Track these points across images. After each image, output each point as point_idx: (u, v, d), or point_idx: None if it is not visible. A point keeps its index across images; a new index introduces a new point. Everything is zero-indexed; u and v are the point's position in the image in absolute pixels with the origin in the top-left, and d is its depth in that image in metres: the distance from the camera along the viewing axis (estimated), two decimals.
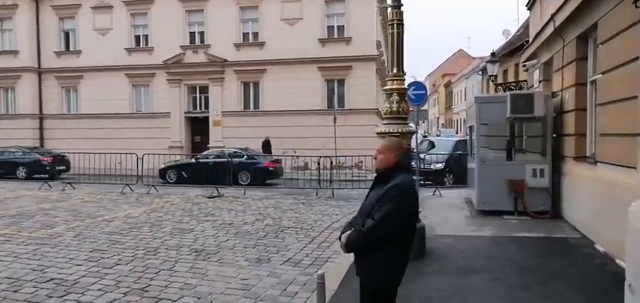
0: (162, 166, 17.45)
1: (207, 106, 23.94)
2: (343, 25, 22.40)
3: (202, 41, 23.63)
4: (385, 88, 6.21)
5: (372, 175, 3.30)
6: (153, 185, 15.21)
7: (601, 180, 6.48)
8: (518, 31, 25.11)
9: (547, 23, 8.84)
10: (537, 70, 11.43)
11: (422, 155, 15.38)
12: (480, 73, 32.40)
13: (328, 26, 22.64)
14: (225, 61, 23.05)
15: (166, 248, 7.20)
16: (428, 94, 14.38)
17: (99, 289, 5.25)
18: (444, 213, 9.81)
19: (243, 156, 17.39)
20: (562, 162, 8.74)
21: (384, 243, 2.86)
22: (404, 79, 6.20)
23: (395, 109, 5.94)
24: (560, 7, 7.71)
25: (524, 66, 13.14)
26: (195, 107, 24.43)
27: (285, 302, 4.94)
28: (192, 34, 23.88)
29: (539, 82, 11.09)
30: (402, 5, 6.09)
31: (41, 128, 25.51)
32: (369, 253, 2.93)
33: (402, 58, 6.10)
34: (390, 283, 2.99)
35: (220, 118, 23.34)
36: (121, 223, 9.28)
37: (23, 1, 24.62)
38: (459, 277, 5.42)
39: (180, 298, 5.00)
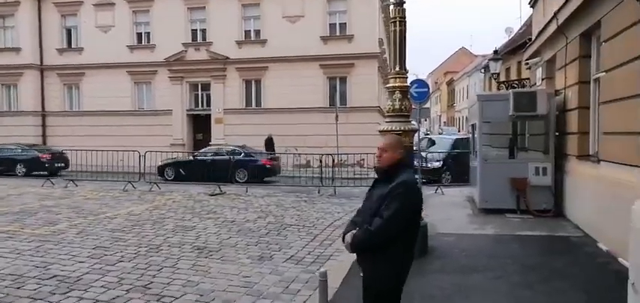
0: (161, 163, 17.47)
1: (209, 104, 23.96)
2: (345, 23, 22.37)
3: (204, 39, 23.63)
4: (388, 85, 6.19)
5: (373, 174, 3.26)
6: (155, 182, 15.25)
7: (604, 178, 6.46)
8: (520, 28, 25.03)
9: (550, 21, 8.81)
10: (540, 68, 11.39)
11: (422, 153, 15.34)
12: (483, 71, 32.32)
13: (330, 24, 22.61)
14: (227, 58, 23.05)
15: (169, 245, 7.21)
16: (430, 91, 14.36)
17: (102, 286, 5.27)
18: (446, 211, 9.80)
19: (240, 153, 17.39)
20: (565, 160, 8.72)
21: (389, 243, 2.84)
22: (406, 77, 6.18)
23: (397, 106, 5.92)
24: (564, 5, 7.69)
25: (527, 64, 13.08)
26: (197, 105, 24.44)
27: (287, 300, 4.94)
28: (194, 32, 23.88)
29: (542, 80, 11.06)
30: (404, 2, 6.08)
31: (43, 125, 25.56)
32: (374, 253, 2.88)
33: (404, 56, 6.09)
34: (396, 284, 2.97)
35: (222, 116, 23.35)
36: (123, 221, 9.30)
37: None
38: (461, 276, 5.42)
39: (183, 296, 5.01)
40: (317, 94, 22.15)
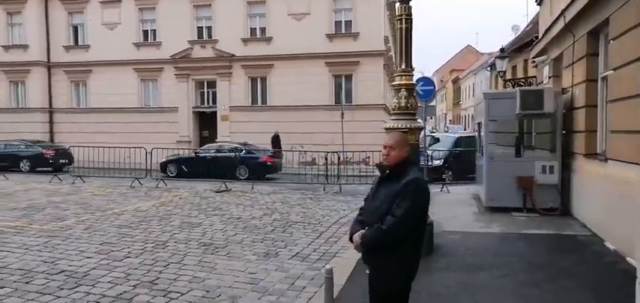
0: (163, 159, 17.53)
1: (214, 101, 24.02)
2: (351, 20, 22.33)
3: (210, 36, 23.68)
4: (394, 83, 6.18)
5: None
6: (162, 179, 15.34)
7: (611, 177, 6.42)
8: (527, 26, 24.88)
9: (557, 19, 8.75)
10: (547, 66, 11.33)
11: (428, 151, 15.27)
12: (489, 68, 32.20)
13: (336, 21, 22.58)
14: (233, 56, 23.09)
15: (175, 242, 7.25)
16: (436, 89, 14.31)
17: (109, 282, 5.31)
18: (451, 209, 9.78)
19: (241, 150, 17.44)
20: (572, 159, 8.67)
21: (399, 242, 2.83)
22: (412, 75, 6.17)
23: (403, 104, 5.91)
24: (571, 3, 7.63)
25: (534, 62, 13.02)
26: (202, 102, 24.52)
27: (292, 296, 4.95)
28: (199, 29, 23.94)
29: (549, 78, 10.99)
30: (410, 0, 6.06)
31: (51, 122, 25.75)
32: (383, 253, 2.85)
33: (410, 54, 6.07)
34: (406, 283, 2.97)
35: (228, 113, 23.41)
36: (130, 217, 9.36)
37: None
38: (467, 274, 5.41)
39: (189, 291, 5.04)
40: (322, 91, 22.15)
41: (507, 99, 9.14)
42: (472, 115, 31.36)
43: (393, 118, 6.05)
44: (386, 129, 5.96)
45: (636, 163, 5.50)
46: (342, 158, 15.98)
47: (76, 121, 24.81)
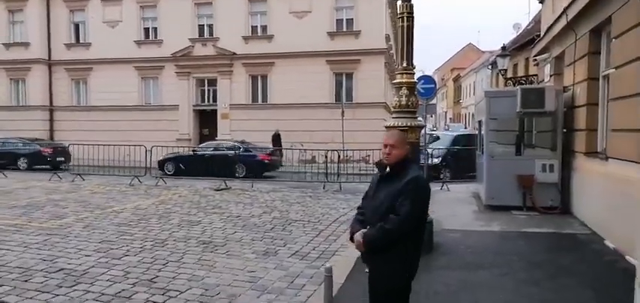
0: (161, 158, 17.52)
1: (215, 99, 24.02)
2: (352, 19, 22.31)
3: (211, 34, 23.67)
4: (394, 81, 6.16)
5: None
6: (161, 177, 15.34)
7: (612, 176, 6.40)
8: (529, 24, 24.84)
9: (559, 17, 8.72)
10: (548, 65, 11.29)
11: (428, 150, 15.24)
12: (490, 67, 32.15)
13: (337, 19, 22.56)
14: (234, 54, 23.07)
15: (174, 240, 7.24)
16: (437, 87, 14.28)
17: (108, 280, 5.30)
18: (451, 207, 9.76)
19: (239, 148, 17.46)
20: (572, 157, 8.65)
21: (400, 241, 2.82)
22: (413, 73, 6.15)
23: (404, 102, 5.89)
24: (573, 1, 7.60)
25: (535, 60, 12.98)
26: (203, 100, 24.51)
27: (292, 294, 4.94)
28: (201, 27, 23.93)
29: (551, 76, 10.96)
30: None
31: (51, 120, 25.77)
32: (384, 252, 2.84)
33: (411, 52, 6.05)
34: (406, 281, 2.96)
35: (228, 111, 23.40)
36: (129, 215, 9.35)
37: None
38: (467, 272, 5.40)
39: (188, 290, 5.03)
40: (323, 89, 22.13)
41: (508, 97, 9.12)
42: (473, 114, 31.36)
43: (393, 116, 6.03)
44: (387, 127, 5.94)
45: (637, 162, 5.48)
46: (342, 156, 15.95)
47: (76, 119, 24.83)
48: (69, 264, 5.89)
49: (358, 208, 3.20)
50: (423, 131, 10.79)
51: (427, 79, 12.53)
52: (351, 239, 3.04)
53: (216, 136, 22.72)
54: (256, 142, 19.39)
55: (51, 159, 19.49)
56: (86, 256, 6.27)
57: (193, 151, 18.45)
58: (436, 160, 15.57)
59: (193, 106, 24.26)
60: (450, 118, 61.97)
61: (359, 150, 16.13)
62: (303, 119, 21.47)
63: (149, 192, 12.91)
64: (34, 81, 25.36)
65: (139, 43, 24.44)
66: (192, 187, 13.75)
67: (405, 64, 6.02)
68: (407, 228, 2.80)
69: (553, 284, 4.99)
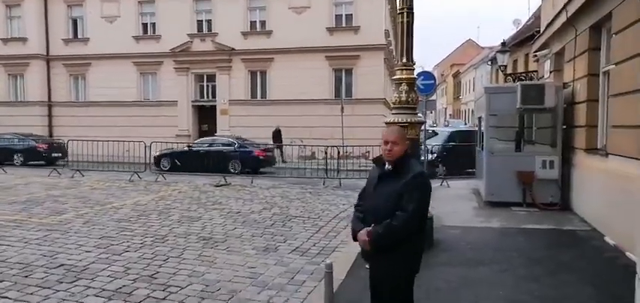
0: (157, 153, 17.49)
1: (214, 95, 23.98)
2: (351, 14, 22.25)
3: (210, 29, 23.60)
4: (394, 77, 6.15)
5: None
6: (161, 173, 15.33)
7: (612, 172, 6.41)
8: (528, 20, 24.81)
9: (559, 13, 8.71)
10: (548, 61, 11.29)
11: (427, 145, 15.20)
12: (490, 63, 32.11)
13: (336, 15, 22.50)
14: (233, 49, 23.02)
15: (174, 236, 7.24)
16: (436, 84, 14.26)
17: (108, 276, 5.30)
18: (451, 204, 9.77)
19: (234, 144, 17.46)
20: (572, 154, 8.65)
21: (406, 237, 2.82)
22: (413, 69, 6.13)
23: (404, 98, 5.88)
24: None
25: (535, 56, 12.97)
26: (202, 96, 24.46)
27: (292, 291, 4.94)
28: (199, 23, 23.86)
29: (550, 72, 10.96)
30: None
31: (50, 116, 25.71)
32: (391, 250, 2.83)
33: (411, 48, 6.03)
34: (410, 278, 2.96)
35: (227, 107, 23.37)
36: (129, 211, 9.35)
37: None
38: (467, 268, 5.41)
39: (189, 286, 5.03)
40: (322, 85, 22.10)
41: (508, 93, 9.11)
42: (472, 110, 31.38)
43: (393, 112, 6.02)
44: (386, 123, 5.93)
45: (637, 159, 5.49)
46: (341, 152, 15.95)
47: (75, 115, 24.77)
48: (69, 260, 5.89)
49: (356, 206, 3.15)
50: (422, 127, 10.78)
51: (427, 75, 12.51)
52: (355, 238, 3.00)
53: (216, 132, 22.70)
54: (255, 137, 19.38)
55: (46, 154, 19.50)
56: (86, 251, 6.27)
57: (188, 146, 18.43)
58: (431, 157, 15.55)
59: (192, 101, 24.22)
60: (450, 115, 61.95)
61: (359, 146, 16.14)
62: (302, 115, 21.45)
63: (149, 188, 12.90)
64: (33, 76, 25.29)
65: (137, 38, 24.36)
66: (191, 183, 13.74)
67: (404, 60, 6.00)
68: (414, 224, 2.80)
69: (553, 280, 5.00)
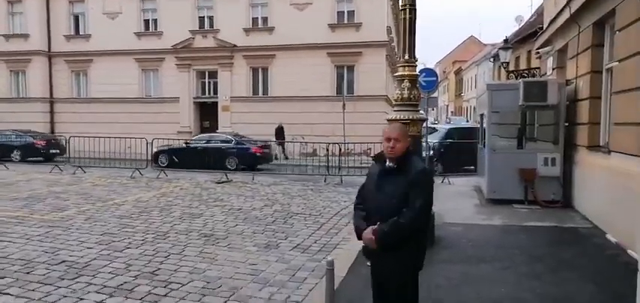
0: (155, 150, 17.49)
1: (216, 92, 23.97)
2: (353, 11, 22.20)
3: (211, 26, 23.58)
4: (396, 74, 6.12)
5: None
6: (162, 169, 15.34)
7: (614, 170, 6.39)
8: (531, 17, 24.72)
9: (562, 9, 8.67)
10: (551, 58, 11.25)
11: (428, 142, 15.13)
12: (492, 59, 32.03)
13: (338, 11, 22.45)
14: (235, 46, 22.99)
15: (176, 233, 7.25)
16: (438, 80, 14.22)
17: (110, 272, 5.31)
18: (453, 201, 9.75)
19: (231, 141, 17.48)
20: (574, 151, 8.63)
21: (412, 234, 2.82)
22: (415, 66, 6.10)
23: (406, 95, 5.85)
24: None
25: (538, 53, 12.93)
26: (204, 92, 24.46)
27: (293, 288, 4.94)
28: (201, 19, 23.83)
29: (553, 69, 10.92)
30: None
31: (52, 112, 25.73)
32: (397, 247, 2.82)
33: (413, 44, 6.00)
34: (413, 275, 2.97)
35: (229, 104, 23.36)
36: (131, 207, 9.36)
37: None
38: (468, 266, 5.40)
39: (190, 282, 5.03)
40: (324, 82, 22.07)
41: (510, 90, 9.08)
42: (474, 107, 31.32)
43: (395, 109, 6.00)
44: (388, 120, 5.91)
45: (639, 156, 5.46)
46: (343, 149, 15.94)
47: (76, 111, 24.79)
48: (71, 256, 5.90)
49: (357, 204, 3.11)
50: (424, 124, 10.76)
51: (429, 72, 12.45)
52: (359, 237, 2.97)
53: (217, 129, 22.71)
54: (257, 134, 19.39)
55: (44, 151, 19.57)
56: (88, 248, 6.28)
57: (186, 143, 18.43)
58: (427, 153, 15.47)
59: (194, 98, 24.22)
60: (452, 112, 61.86)
61: (360, 143, 16.12)
62: (304, 112, 21.43)
63: (150, 184, 12.91)
64: (34, 73, 25.30)
65: (139, 34, 24.35)
66: (193, 180, 13.75)
67: (407, 57, 5.97)
68: (421, 221, 2.81)
69: (554, 278, 4.99)
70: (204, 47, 23.47)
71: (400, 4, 6.13)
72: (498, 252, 5.98)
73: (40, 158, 19.21)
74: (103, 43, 24.22)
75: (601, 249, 6.05)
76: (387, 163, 2.94)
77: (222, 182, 13.38)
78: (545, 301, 4.42)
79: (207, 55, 23.47)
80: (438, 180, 12.76)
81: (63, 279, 5.08)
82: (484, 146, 9.92)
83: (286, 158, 19.55)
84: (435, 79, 12.22)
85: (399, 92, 5.92)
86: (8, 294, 4.66)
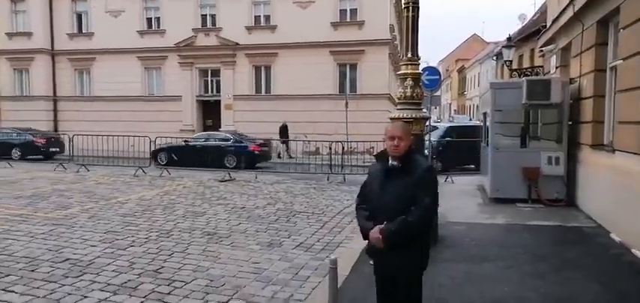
0: (154, 148, 17.47)
1: (218, 90, 23.99)
2: (356, 9, 22.16)
3: (214, 24, 23.59)
4: (399, 72, 6.11)
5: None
6: (165, 167, 15.37)
7: (618, 169, 6.36)
8: (534, 15, 24.64)
9: (566, 7, 8.63)
10: (554, 56, 11.20)
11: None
12: (495, 58, 31.93)
13: (341, 9, 22.41)
14: (237, 44, 22.99)
15: (179, 231, 7.26)
16: (441, 79, 14.18)
17: (113, 270, 5.32)
18: (456, 200, 9.73)
19: (229, 139, 17.52)
20: (578, 150, 8.59)
21: (419, 232, 2.85)
22: (418, 64, 6.09)
23: (409, 94, 5.84)
24: None
25: (541, 51, 12.88)
26: (206, 90, 24.48)
27: (296, 286, 4.94)
28: (203, 17, 23.84)
29: (557, 67, 10.87)
30: None
31: (55, 110, 25.80)
32: (405, 246, 2.82)
33: (416, 43, 5.98)
34: (419, 274, 2.98)
35: (232, 102, 23.37)
36: (134, 205, 9.38)
37: None
38: (471, 265, 5.39)
39: (193, 280, 5.04)
40: (327, 80, 22.05)
41: (514, 89, 9.05)
42: (477, 105, 31.23)
43: (398, 107, 5.99)
44: (391, 119, 5.90)
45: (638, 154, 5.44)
46: (346, 148, 15.93)
47: (79, 110, 24.87)
48: (75, 254, 5.92)
49: (360, 204, 3.09)
50: (427, 123, 10.75)
51: (432, 70, 12.43)
52: (365, 237, 2.95)
53: (220, 127, 22.73)
54: (260, 133, 19.40)
55: (44, 149, 19.59)
56: (92, 246, 6.30)
57: (185, 141, 18.45)
58: (425, 151, 15.40)
59: (196, 96, 24.24)
60: (455, 110, 61.71)
61: (363, 141, 16.09)
62: (306, 110, 21.43)
63: (153, 183, 12.94)
64: (38, 71, 25.37)
65: (141, 32, 24.38)
66: (196, 178, 13.77)
67: (410, 55, 5.96)
68: (429, 219, 2.83)
69: (558, 277, 4.97)
70: (207, 46, 23.48)
71: (403, 2, 6.11)
72: (502, 251, 5.97)
73: (40, 156, 19.25)
74: (106, 42, 24.26)
75: (605, 248, 6.03)
76: (391, 161, 2.93)
77: (225, 181, 13.40)
78: (548, 300, 4.41)
79: (210, 53, 23.48)
80: (440, 179, 12.74)
81: (67, 277, 5.10)
82: (487, 145, 9.89)
83: (290, 157, 19.56)
84: (437, 77, 12.20)
85: (402, 90, 5.91)
86: (13, 291, 4.68)
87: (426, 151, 11.29)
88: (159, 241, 6.60)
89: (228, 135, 18.27)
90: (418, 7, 5.96)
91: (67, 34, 25.30)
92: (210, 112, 24.31)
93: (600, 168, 7.27)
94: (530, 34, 19.66)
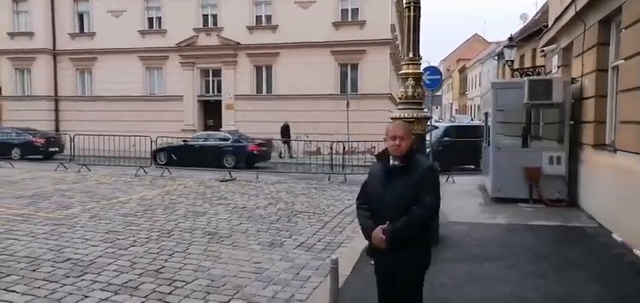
0: (154, 148, 17.47)
1: (219, 90, 24.00)
2: (357, 9, 22.16)
3: (215, 24, 23.60)
4: (401, 72, 6.11)
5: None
6: (166, 167, 15.38)
7: (620, 168, 6.35)
8: (536, 14, 24.62)
9: (568, 7, 8.61)
10: (556, 56, 11.18)
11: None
12: (496, 58, 31.92)
13: (342, 9, 22.42)
14: (238, 44, 23.00)
15: (180, 231, 7.26)
16: (443, 79, 14.18)
17: (114, 270, 5.32)
18: (457, 200, 9.72)
19: (228, 139, 17.53)
20: (580, 149, 8.58)
21: (422, 232, 2.86)
22: (420, 64, 6.09)
23: (410, 93, 5.84)
24: None
25: (543, 51, 12.86)
26: (207, 90, 24.49)
27: (297, 286, 4.94)
28: (205, 17, 23.86)
29: (558, 67, 10.86)
30: None
31: (56, 110, 25.84)
32: (408, 245, 2.83)
33: (418, 42, 5.98)
34: (420, 273, 2.98)
35: (233, 102, 23.38)
36: (135, 205, 9.38)
37: None
38: (473, 265, 5.38)
39: (194, 280, 5.04)
40: (328, 80, 22.05)
41: (515, 89, 9.04)
42: (479, 105, 31.20)
43: (399, 107, 5.99)
44: (392, 118, 5.89)
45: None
46: (347, 148, 15.92)
47: (81, 109, 24.91)
48: (76, 254, 5.92)
49: (360, 204, 3.08)
50: (428, 123, 10.74)
51: (433, 70, 12.43)
52: (368, 237, 2.95)
53: (221, 127, 22.75)
54: (261, 132, 19.40)
55: (43, 149, 19.59)
56: (93, 246, 6.31)
57: (184, 141, 18.45)
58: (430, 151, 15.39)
59: (198, 96, 24.25)
60: (456, 110, 61.67)
61: (364, 141, 16.07)
62: (307, 110, 21.43)
63: (154, 183, 12.95)
64: (39, 71, 25.42)
65: (143, 32, 24.41)
66: (197, 178, 13.77)
67: (411, 55, 5.96)
68: (432, 218, 2.87)
69: (560, 277, 4.96)
70: (208, 45, 23.49)
71: (404, 1, 6.11)
72: (503, 251, 5.96)
73: (40, 156, 19.24)
74: (108, 41, 24.29)
75: (607, 248, 6.02)
76: (392, 161, 2.93)
77: (226, 180, 13.40)
78: (550, 300, 4.40)
79: (211, 53, 23.49)
80: (441, 179, 12.72)
81: (68, 276, 5.10)
82: (489, 145, 9.88)
83: (291, 157, 19.56)
84: (439, 77, 12.20)
85: (404, 90, 5.91)
86: (14, 291, 4.69)
87: (427, 151, 11.34)
88: (160, 241, 6.60)
89: (227, 135, 18.31)
90: (419, 7, 5.96)
91: (69, 34, 25.34)
92: (211, 112, 24.32)
93: (602, 168, 7.26)
94: (531, 33, 19.64)
